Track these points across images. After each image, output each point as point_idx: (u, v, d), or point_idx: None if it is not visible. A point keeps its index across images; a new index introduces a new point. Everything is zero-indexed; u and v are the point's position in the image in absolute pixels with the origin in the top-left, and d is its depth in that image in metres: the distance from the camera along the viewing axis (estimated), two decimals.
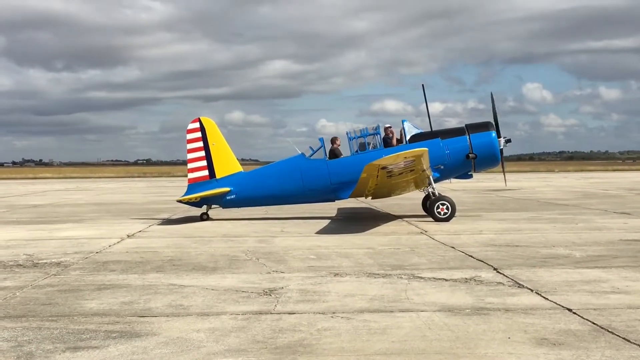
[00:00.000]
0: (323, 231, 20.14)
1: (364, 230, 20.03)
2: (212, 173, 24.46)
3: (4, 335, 8.47)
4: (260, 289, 11.18)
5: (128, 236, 19.43)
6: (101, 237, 19.14)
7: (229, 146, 24.83)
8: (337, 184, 23.44)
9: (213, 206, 24.77)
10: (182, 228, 21.82)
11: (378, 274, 12.42)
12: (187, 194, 24.65)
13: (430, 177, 22.44)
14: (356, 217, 24.64)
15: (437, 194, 22.78)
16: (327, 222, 22.98)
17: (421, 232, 19.30)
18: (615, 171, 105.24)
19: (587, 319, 8.80)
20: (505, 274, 12.25)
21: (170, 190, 52.52)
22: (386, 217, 24.49)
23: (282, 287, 11.27)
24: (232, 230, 20.64)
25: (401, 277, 12.04)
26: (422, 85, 24.08)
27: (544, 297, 10.16)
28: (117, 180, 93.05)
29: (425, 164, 20.80)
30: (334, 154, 23.77)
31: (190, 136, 24.77)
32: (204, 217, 24.53)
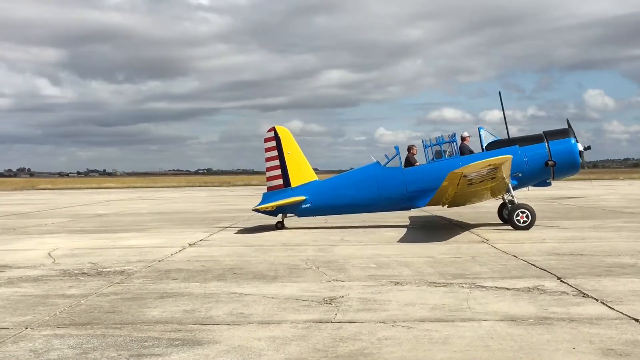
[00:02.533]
0: (383, 240, 20.06)
1: (423, 239, 19.90)
2: (286, 182, 24.40)
3: (70, 342, 8.62)
4: (321, 297, 11.18)
5: (189, 245, 19.63)
6: (163, 246, 19.38)
7: (303, 155, 24.82)
8: (414, 192, 23.25)
9: (288, 215, 24.75)
10: (243, 237, 21.96)
11: (439, 283, 12.31)
12: (262, 202, 24.65)
13: (510, 185, 22.17)
14: (416, 225, 24.49)
15: (516, 201, 22.47)
16: (387, 230, 22.88)
17: (482, 241, 19.09)
18: None
19: None
20: (569, 283, 12.03)
21: (230, 200, 53.00)
22: (447, 226, 24.29)
23: (342, 296, 11.25)
24: (291, 239, 20.70)
25: (462, 286, 11.92)
26: (499, 92, 23.89)
27: (609, 307, 9.95)
28: (178, 189, 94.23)
29: (507, 171, 20.62)
30: (410, 162, 23.62)
31: (266, 145, 24.80)
32: (279, 226, 24.45)
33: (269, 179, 24.80)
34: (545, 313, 9.66)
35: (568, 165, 22.78)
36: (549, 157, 22.59)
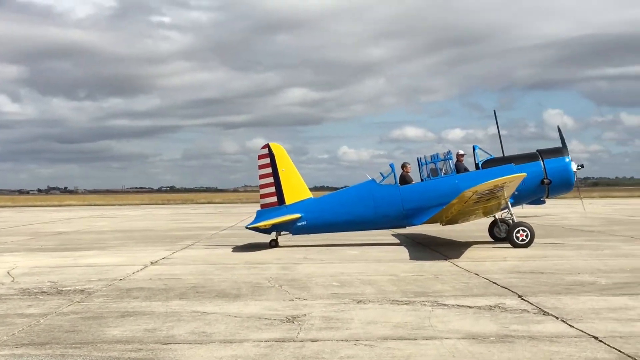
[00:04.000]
0: (346, 258, 20.08)
1: (387, 257, 19.95)
2: (281, 199, 24.10)
3: None
4: (283, 316, 11.15)
5: (151, 263, 19.49)
6: (125, 264, 19.21)
7: (298, 172, 24.58)
8: (410, 210, 23.23)
9: (282, 233, 24.43)
10: (205, 255, 21.84)
11: (401, 301, 12.35)
12: (256, 220, 24.28)
13: (508, 203, 22.26)
14: (380, 243, 24.54)
15: (515, 219, 22.57)
16: (351, 248, 22.91)
17: (445, 259, 19.19)
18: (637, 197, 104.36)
19: (613, 347, 8.68)
20: (530, 301, 12.14)
21: (193, 217, 52.73)
22: (410, 244, 24.38)
23: (305, 314, 11.23)
24: (255, 257, 20.64)
25: (425, 304, 11.96)
26: (494, 111, 24.41)
27: (569, 325, 10.05)
28: (141, 207, 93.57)
29: (511, 190, 20.88)
30: (404, 179, 23.65)
31: (260, 162, 24.51)
32: (273, 244, 24.15)
33: (263, 196, 24.47)
34: (507, 331, 9.73)
35: (563, 184, 23.06)
36: (545, 175, 22.83)
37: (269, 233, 24.24)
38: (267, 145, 24.50)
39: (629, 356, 8.27)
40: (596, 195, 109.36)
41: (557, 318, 10.58)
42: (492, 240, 24.50)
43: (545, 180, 22.76)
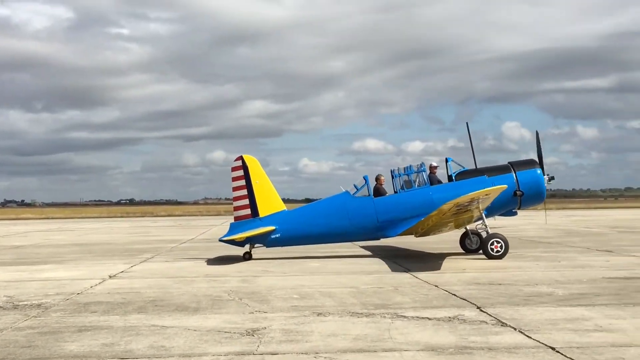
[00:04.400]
0: (307, 270, 20.08)
1: (347, 270, 19.99)
2: (255, 211, 23.84)
3: None
4: (243, 329, 11.11)
5: (110, 277, 19.29)
6: (83, 278, 19.00)
7: (272, 184, 24.40)
8: (385, 222, 23.23)
9: (256, 245, 24.11)
10: (165, 268, 21.68)
11: (361, 313, 12.37)
12: (230, 233, 23.98)
13: (483, 214, 22.37)
14: (340, 256, 24.56)
15: (489, 231, 22.66)
16: (312, 261, 22.90)
17: (405, 271, 19.27)
18: (597, 209, 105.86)
19: (570, 358, 8.79)
20: (488, 312, 12.23)
21: (153, 230, 52.33)
22: (370, 256, 24.45)
23: (265, 327, 11.20)
24: (215, 270, 20.54)
25: (384, 316, 12.00)
26: (467, 123, 24.61)
27: (527, 336, 10.15)
28: (99, 220, 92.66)
29: (488, 202, 21.08)
30: (378, 192, 23.65)
31: (233, 174, 24.27)
32: (247, 257, 23.83)
33: (236, 208, 24.18)
34: (465, 342, 9.80)
35: (535, 195, 23.31)
36: (517, 187, 23.00)
37: (243, 246, 23.99)
38: (241, 158, 24.32)
39: None
40: (553, 207, 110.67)
41: (515, 329, 10.68)
42: (463, 252, 24.59)
43: (517, 192, 22.97)
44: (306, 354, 9.30)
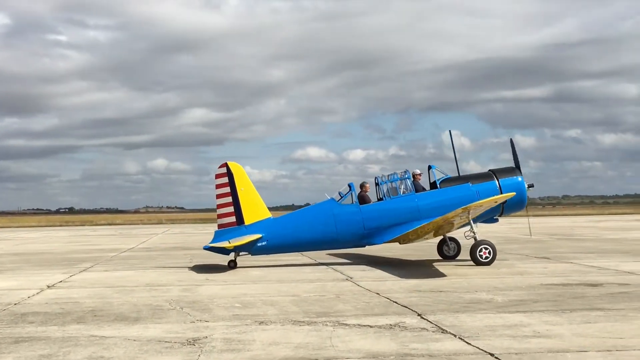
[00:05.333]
0: (249, 279, 20.02)
1: (290, 278, 19.98)
2: (240, 219, 23.56)
3: None
4: (184, 338, 11.02)
5: (48, 287, 18.97)
6: (20, 288, 18.63)
7: (257, 192, 24.12)
8: (371, 229, 23.33)
9: (241, 253, 23.70)
10: (105, 277, 21.40)
11: (303, 322, 12.37)
12: (215, 240, 23.57)
13: (471, 222, 22.55)
14: (284, 265, 24.52)
15: (477, 237, 22.77)
16: (254, 269, 22.82)
17: (346, 279, 19.34)
18: (535, 216, 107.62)
19: None
20: (429, 319, 12.34)
21: (92, 239, 51.59)
22: (312, 264, 24.47)
23: (206, 337, 11.13)
24: (156, 280, 20.34)
25: (326, 325, 12.02)
26: (449, 131, 24.87)
27: (466, 342, 10.26)
28: (38, 229, 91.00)
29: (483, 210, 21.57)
30: (363, 199, 23.68)
31: (218, 181, 23.97)
32: (232, 265, 23.42)
33: (221, 216, 23.85)
34: (406, 349, 9.87)
35: (517, 203, 23.54)
36: (500, 194, 23.10)
37: (228, 254, 23.61)
38: (226, 164, 24.06)
39: None
40: None
41: (455, 336, 10.79)
42: (440, 258, 24.90)
43: None
44: None
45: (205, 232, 59.43)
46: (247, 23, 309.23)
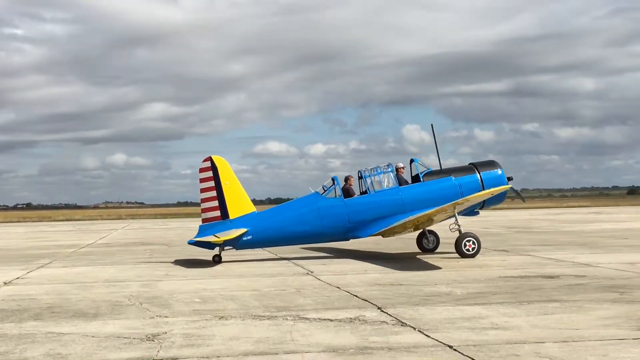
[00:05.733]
0: (209, 274, 19.94)
1: (250, 272, 19.95)
2: (224, 213, 23.31)
3: None
4: (143, 334, 10.95)
5: (5, 283, 18.71)
6: None
7: (241, 185, 23.91)
8: (356, 223, 23.37)
9: (226, 248, 23.34)
10: (63, 274, 21.17)
11: (263, 316, 12.36)
12: (201, 235, 23.25)
13: (456, 215, 22.72)
14: (243, 259, 24.46)
15: (462, 230, 22.90)
16: (213, 265, 22.73)
17: (307, 273, 19.36)
18: (494, 210, 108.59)
19: (467, 355, 8.98)
20: (389, 312, 12.40)
21: (50, 235, 50.97)
22: (273, 259, 24.45)
23: (166, 332, 11.07)
24: (115, 275, 20.17)
25: (287, 319, 12.02)
26: (432, 125, 25.12)
27: (426, 335, 10.33)
28: None
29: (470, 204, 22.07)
30: (348, 192, 23.65)
31: (202, 175, 23.71)
32: (217, 259, 23.07)
33: (205, 210, 23.60)
34: (366, 343, 9.91)
35: (498, 196, 23.65)
36: (482, 187, 23.36)
37: (213, 248, 23.31)
38: (210, 158, 23.82)
39: None
40: None
41: (414, 328, 10.86)
42: (420, 251, 25.15)
43: None
44: (207, 358, 9.23)
45: (166, 228, 59.11)
46: (206, 17, 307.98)
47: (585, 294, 14.19)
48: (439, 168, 24.30)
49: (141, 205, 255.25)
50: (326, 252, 26.06)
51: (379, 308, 12.92)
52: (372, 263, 21.77)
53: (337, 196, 23.56)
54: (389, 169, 23.73)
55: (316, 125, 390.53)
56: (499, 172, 23.99)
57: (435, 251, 24.85)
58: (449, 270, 19.15)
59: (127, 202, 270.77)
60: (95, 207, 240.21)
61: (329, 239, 24.16)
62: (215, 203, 23.47)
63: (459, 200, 21.29)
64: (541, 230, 40.70)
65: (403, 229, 23.07)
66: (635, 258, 21.21)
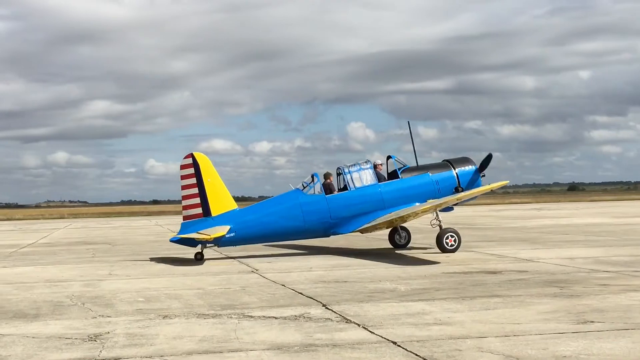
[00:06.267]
0: (153, 273, 19.77)
1: (194, 271, 19.83)
2: (206, 210, 23.03)
3: None
4: (85, 334, 10.81)
5: None
6: None
7: (223, 183, 23.67)
8: (338, 219, 23.42)
9: (208, 245, 23.02)
10: (2, 274, 20.79)
11: (208, 315, 12.30)
12: (183, 232, 22.95)
13: (437, 211, 23.05)
14: (188, 256, 24.28)
15: (442, 226, 23.23)
16: (157, 263, 22.56)
17: (252, 271, 19.32)
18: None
19: (410, 351, 9.05)
20: (333, 309, 12.44)
21: None
22: (218, 257, 24.32)
23: (109, 332, 10.94)
24: (56, 275, 19.87)
25: (231, 317, 11.98)
26: (408, 122, 25.56)
27: (370, 332, 10.39)
28: None
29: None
30: (329, 189, 23.63)
31: (183, 172, 23.39)
32: (199, 257, 22.74)
33: (186, 207, 23.32)
34: (311, 340, 9.92)
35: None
36: (458, 183, 23.71)
37: (195, 245, 23.01)
38: (191, 155, 23.57)
39: (424, 359, 8.65)
40: None
41: (359, 325, 10.91)
42: (391, 247, 25.46)
43: (458, 189, 23.73)
44: (150, 357, 9.15)
45: (110, 227, 58.44)
46: (148, 14, 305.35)
47: (527, 289, 14.42)
48: (415, 165, 24.66)
49: (84, 204, 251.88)
50: (274, 250, 26.02)
51: (323, 305, 12.96)
52: (317, 260, 21.81)
53: (318, 193, 23.65)
54: (368, 166, 23.92)
55: (261, 123, 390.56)
56: (475, 168, 24.41)
57: (407, 247, 25.29)
58: (394, 267, 19.29)
59: (70, 201, 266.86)
60: (37, 206, 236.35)
61: (310, 235, 24.22)
62: (197, 200, 23.29)
63: (460, 195, 21.99)
64: (484, 226, 41.21)
65: (388, 224, 23.47)
66: (574, 253, 21.63)
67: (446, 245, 22.73)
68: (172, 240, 23.60)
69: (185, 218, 23.52)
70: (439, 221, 23.43)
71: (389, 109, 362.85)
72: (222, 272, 19.47)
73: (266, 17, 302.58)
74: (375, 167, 24.10)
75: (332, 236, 24.57)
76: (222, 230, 22.61)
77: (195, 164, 23.49)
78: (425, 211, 22.32)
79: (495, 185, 22.59)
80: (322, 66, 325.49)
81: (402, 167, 24.27)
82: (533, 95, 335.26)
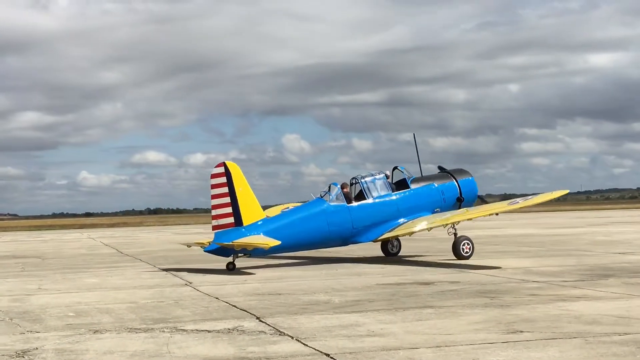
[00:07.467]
0: (84, 287, 19.45)
1: (127, 285, 19.58)
2: (238, 219, 22.57)
3: None
4: (13, 350, 10.56)
5: None
6: None
7: (252, 192, 23.27)
8: (360, 228, 23.73)
9: (239, 255, 22.51)
10: None
11: (140, 329, 12.15)
12: (218, 240, 22.38)
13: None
14: (119, 270, 23.97)
15: (458, 233, 23.72)
16: (88, 277, 22.18)
17: (186, 284, 19.16)
18: None
19: None
20: (267, 322, 12.41)
21: None
22: (151, 270, 24.06)
23: (37, 348, 10.72)
24: None
25: (163, 331, 11.85)
26: (414, 134, 26.56)
27: (303, 344, 10.38)
28: None
29: None
30: (348, 198, 23.87)
31: (214, 181, 22.94)
32: (231, 267, 22.30)
33: (217, 217, 22.81)
34: (244, 353, 9.87)
35: (471, 201, 24.95)
36: (460, 194, 24.45)
37: (228, 255, 22.54)
38: (223, 164, 23.15)
39: None
40: None
41: (292, 337, 10.90)
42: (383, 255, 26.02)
43: (460, 198, 24.53)
44: None
45: (40, 240, 57.29)
46: (77, 24, 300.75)
47: (459, 299, 14.60)
48: (420, 175, 25.42)
49: (14, 216, 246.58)
50: (207, 264, 25.81)
51: (257, 318, 12.91)
52: (253, 273, 21.70)
53: (341, 202, 23.83)
54: (382, 176, 24.40)
55: (195, 134, 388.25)
56: (473, 179, 25.37)
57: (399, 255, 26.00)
58: (328, 279, 19.34)
59: (8, 214, 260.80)
60: None
61: (333, 244, 24.57)
62: (229, 209, 22.91)
63: (516, 205, 23.11)
64: (419, 237, 41.52)
65: (409, 234, 24.30)
66: (505, 263, 21.97)
67: (462, 252, 23.40)
68: (206, 251, 23.19)
69: (215, 228, 23.09)
70: (455, 229, 23.93)
71: (323, 121, 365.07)
72: (155, 285, 19.25)
73: (197, 29, 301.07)
74: (387, 177, 24.63)
75: (351, 245, 25.00)
76: (262, 240, 22.27)
77: (227, 173, 23.11)
78: (468, 219, 23.66)
79: (557, 193, 23.36)
80: (254, 78, 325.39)
81: (411, 177, 24.93)
82: (464, 107, 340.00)
